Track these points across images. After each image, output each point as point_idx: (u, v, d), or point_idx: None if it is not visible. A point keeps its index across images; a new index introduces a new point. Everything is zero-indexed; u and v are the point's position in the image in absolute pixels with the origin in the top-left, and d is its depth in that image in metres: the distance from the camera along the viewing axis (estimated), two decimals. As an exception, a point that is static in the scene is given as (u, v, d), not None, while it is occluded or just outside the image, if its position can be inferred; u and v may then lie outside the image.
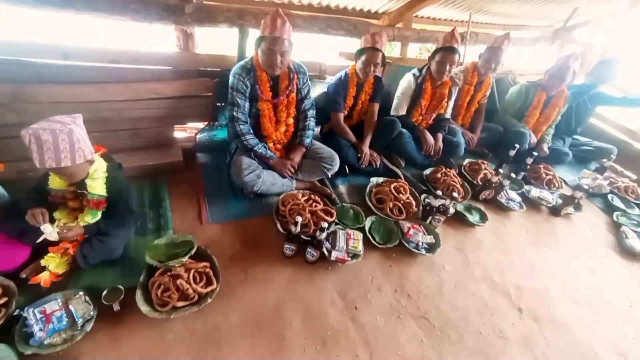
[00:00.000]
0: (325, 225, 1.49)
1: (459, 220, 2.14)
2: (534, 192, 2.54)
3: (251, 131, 1.86)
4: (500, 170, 2.48)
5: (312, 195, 1.88)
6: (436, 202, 1.88)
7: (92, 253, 1.33)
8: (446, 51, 2.20)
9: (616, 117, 3.51)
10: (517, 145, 2.59)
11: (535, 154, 2.58)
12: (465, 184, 2.39)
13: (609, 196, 2.71)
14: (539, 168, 2.73)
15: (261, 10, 2.28)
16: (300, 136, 2.02)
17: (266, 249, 1.70)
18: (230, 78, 1.79)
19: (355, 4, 2.82)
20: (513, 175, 2.30)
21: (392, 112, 2.49)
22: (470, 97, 2.77)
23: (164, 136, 2.14)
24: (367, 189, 2.11)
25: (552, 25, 3.87)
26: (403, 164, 2.49)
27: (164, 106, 1.98)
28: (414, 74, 2.39)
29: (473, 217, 2.16)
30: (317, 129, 2.51)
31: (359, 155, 2.23)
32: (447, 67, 2.23)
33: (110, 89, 1.82)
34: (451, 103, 2.54)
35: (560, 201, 2.51)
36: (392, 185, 2.08)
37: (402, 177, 2.29)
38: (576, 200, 2.36)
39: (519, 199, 2.42)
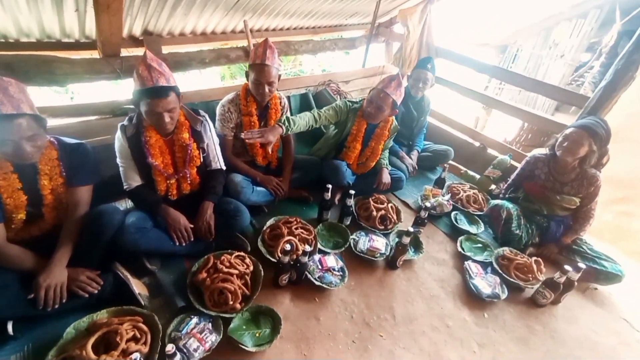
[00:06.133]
0: None
1: (232, 349, 1.31)
2: (362, 242, 1.90)
3: None
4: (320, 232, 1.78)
5: None
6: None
7: None
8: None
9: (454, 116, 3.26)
10: (330, 186, 1.93)
11: (353, 192, 1.95)
12: (259, 267, 1.59)
13: (453, 215, 2.27)
14: (368, 203, 2.14)
15: None
16: None
17: None
18: None
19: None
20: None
21: (124, 186, 1.56)
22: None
23: None
24: None
25: (370, 22, 3.49)
26: (157, 267, 1.57)
27: None
28: (122, 127, 1.45)
29: (256, 338, 1.35)
30: None
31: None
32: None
33: None
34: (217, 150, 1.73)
35: (397, 240, 1.94)
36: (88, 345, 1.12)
37: (142, 302, 1.36)
38: (408, 247, 1.78)
39: (339, 264, 1.74)
